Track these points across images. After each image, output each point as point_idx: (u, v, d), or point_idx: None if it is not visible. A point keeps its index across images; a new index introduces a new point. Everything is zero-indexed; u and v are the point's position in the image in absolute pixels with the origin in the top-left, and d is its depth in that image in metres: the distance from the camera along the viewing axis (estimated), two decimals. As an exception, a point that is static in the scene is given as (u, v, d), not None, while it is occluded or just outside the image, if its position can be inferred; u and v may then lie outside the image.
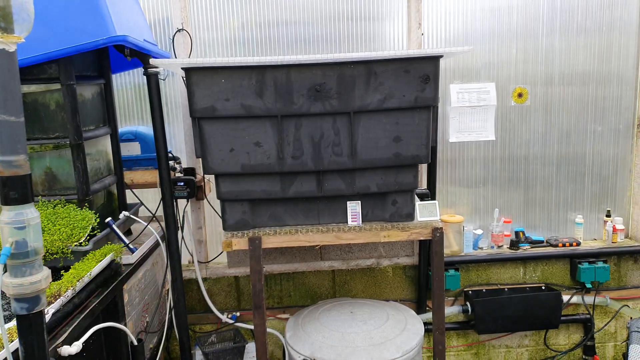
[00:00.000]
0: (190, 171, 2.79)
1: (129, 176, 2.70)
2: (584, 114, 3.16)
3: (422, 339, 2.54)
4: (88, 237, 1.93)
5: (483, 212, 3.23)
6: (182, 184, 2.68)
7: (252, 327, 2.93)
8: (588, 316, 3.16)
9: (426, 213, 2.44)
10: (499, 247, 3.16)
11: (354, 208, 2.41)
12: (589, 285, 3.10)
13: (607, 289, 3.19)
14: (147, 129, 2.81)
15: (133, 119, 3.03)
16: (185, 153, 2.99)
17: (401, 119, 2.20)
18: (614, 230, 3.15)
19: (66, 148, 2.03)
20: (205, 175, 2.85)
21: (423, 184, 2.99)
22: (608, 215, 3.19)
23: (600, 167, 3.23)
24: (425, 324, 2.78)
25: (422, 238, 2.38)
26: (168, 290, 2.68)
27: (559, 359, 3.20)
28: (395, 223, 2.40)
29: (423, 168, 2.94)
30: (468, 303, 3.06)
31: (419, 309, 3.07)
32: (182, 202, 2.84)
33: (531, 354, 3.23)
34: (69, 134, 2.00)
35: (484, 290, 3.10)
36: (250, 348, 2.80)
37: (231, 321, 3.02)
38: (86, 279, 1.74)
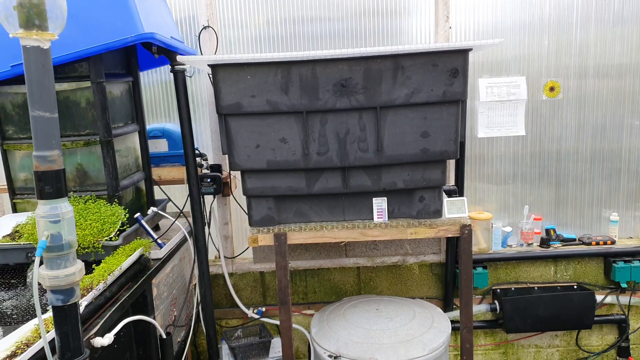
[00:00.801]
0: (216, 168, 2.82)
1: (157, 172, 2.74)
2: (620, 108, 3.05)
3: (449, 337, 2.50)
4: (118, 232, 1.97)
5: (512, 209, 3.16)
6: (208, 180, 2.71)
7: (277, 322, 2.95)
8: (623, 317, 3.05)
9: (454, 210, 2.40)
10: (529, 245, 3.09)
11: (379, 204, 2.38)
12: (624, 285, 3.00)
13: (644, 289, 3.09)
14: (174, 126, 2.85)
15: (160, 117, 3.07)
16: (211, 150, 3.02)
17: (429, 113, 2.16)
18: (651, 228, 3.04)
19: (96, 145, 2.07)
20: (231, 172, 2.87)
21: (451, 181, 2.94)
22: (645, 213, 3.08)
23: (638, 163, 3.11)
24: (452, 322, 2.74)
25: (450, 235, 2.34)
26: (195, 285, 2.71)
27: (591, 359, 3.12)
28: (422, 220, 2.36)
29: (451, 164, 2.89)
30: (496, 301, 3.00)
31: (446, 307, 3.03)
32: (208, 199, 2.86)
33: (562, 354, 3.15)
34: (99, 131, 2.04)
35: (512, 289, 3.04)
36: (276, 343, 2.81)
37: (257, 316, 3.04)
38: (117, 273, 1.77)
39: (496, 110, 2.89)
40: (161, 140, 2.79)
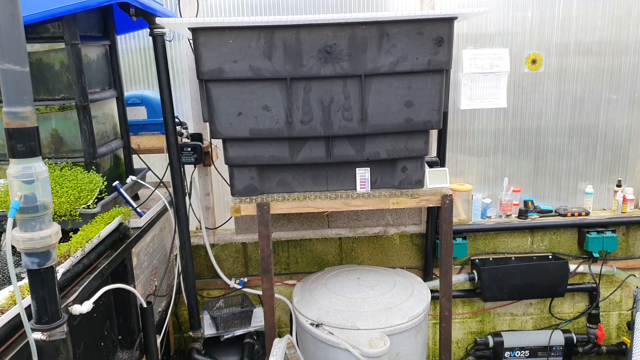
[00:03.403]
0: (197, 137, 2.76)
1: (136, 141, 2.68)
2: (598, 82, 3.09)
3: (429, 305, 2.55)
4: (96, 200, 1.92)
5: (492, 181, 3.20)
6: (189, 149, 2.66)
7: (259, 292, 2.96)
8: (594, 285, 3.16)
9: (436, 180, 2.41)
10: (507, 216, 3.15)
11: (363, 175, 2.38)
12: (596, 255, 3.10)
13: (614, 258, 3.19)
14: (153, 93, 2.77)
15: (139, 84, 2.99)
16: (192, 119, 2.96)
17: (414, 82, 2.15)
18: (624, 200, 3.12)
19: (72, 110, 1.99)
20: (213, 142, 2.82)
21: (433, 152, 2.95)
22: (619, 185, 3.15)
23: (613, 136, 3.17)
24: (431, 291, 2.79)
25: (431, 205, 2.36)
26: (176, 255, 2.69)
27: (563, 326, 3.23)
28: (404, 190, 2.38)
29: (433, 135, 2.90)
30: (475, 271, 3.07)
31: (426, 277, 3.08)
32: (189, 168, 2.81)
33: (535, 321, 3.26)
34: (74, 95, 1.96)
35: (490, 259, 3.10)
36: (258, 313, 2.83)
37: (239, 286, 3.05)
38: (95, 241, 1.73)
39: (479, 82, 2.89)
40: (140, 108, 2.71)
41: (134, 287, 2.05)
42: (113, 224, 1.89)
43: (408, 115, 2.19)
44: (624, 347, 3.21)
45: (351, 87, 2.13)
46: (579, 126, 3.15)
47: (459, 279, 3.08)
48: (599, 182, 3.22)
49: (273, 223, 3.07)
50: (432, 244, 3.04)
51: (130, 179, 2.37)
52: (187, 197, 2.74)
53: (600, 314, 3.23)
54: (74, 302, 1.46)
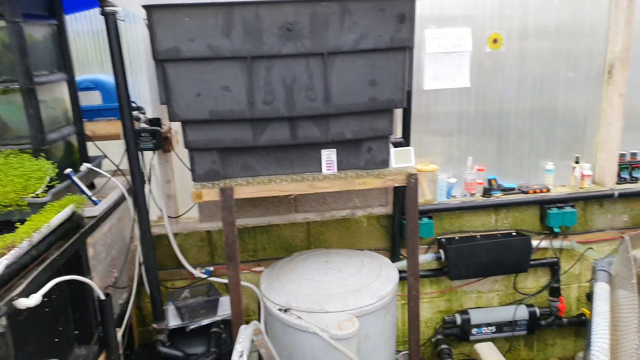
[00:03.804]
0: (155, 121, 2.65)
1: (90, 127, 2.54)
2: (557, 61, 3.14)
3: (397, 284, 2.56)
4: (46, 189, 1.81)
5: (457, 161, 3.23)
6: (147, 134, 2.55)
7: (226, 281, 2.89)
8: (555, 259, 3.25)
9: (401, 160, 2.40)
10: (472, 195, 3.18)
11: (328, 156, 2.35)
12: (557, 230, 3.18)
13: (574, 233, 3.28)
14: (107, 77, 2.64)
15: (93, 69, 2.84)
16: (150, 104, 2.84)
17: (377, 61, 2.12)
18: (582, 176, 3.20)
19: (16, 93, 1.86)
20: (172, 127, 2.72)
21: (398, 133, 2.94)
22: (577, 162, 3.23)
23: (572, 115, 3.24)
24: (399, 271, 2.80)
25: (397, 184, 2.35)
26: (137, 246, 2.59)
27: (527, 301, 3.31)
28: (370, 170, 2.36)
29: (398, 116, 2.88)
30: (441, 250, 3.10)
31: (393, 258, 3.09)
32: (148, 155, 2.70)
33: (501, 298, 3.33)
34: (18, 78, 1.84)
35: (456, 238, 3.14)
36: (225, 301, 2.76)
37: (204, 276, 2.97)
38: (44, 230, 1.63)
39: (442, 62, 2.89)
40: (94, 93, 2.58)
41: (91, 278, 1.95)
42: (64, 213, 1.78)
43: (372, 94, 2.16)
44: (583, 317, 3.32)
45: (314, 66, 2.08)
46: (539, 106, 3.20)
47: (426, 258, 3.11)
48: (559, 159, 3.29)
49: (238, 209, 3.00)
50: (399, 224, 3.04)
51: (85, 166, 2.25)
52: (146, 185, 2.63)
53: (561, 287, 3.33)
54: (20, 295, 1.36)
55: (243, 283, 2.91)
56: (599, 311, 2.15)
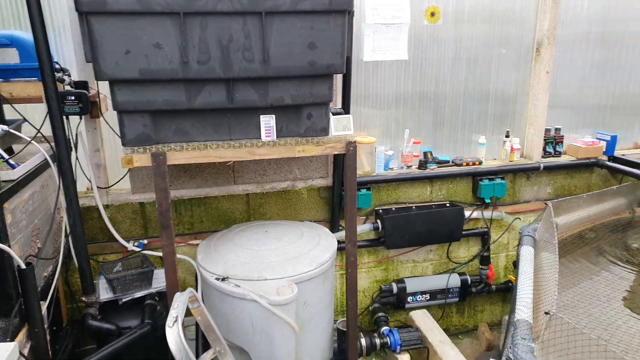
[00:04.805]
0: (82, 84, 2.48)
1: (7, 89, 2.34)
2: (491, 36, 3.26)
3: (335, 252, 2.58)
4: (-46, 148, 1.65)
5: (394, 133, 3.28)
6: (72, 98, 2.39)
7: (160, 254, 2.79)
8: (486, 229, 3.41)
9: (340, 127, 2.41)
10: (409, 167, 3.26)
11: (267, 122, 2.30)
12: (488, 201, 3.33)
13: (503, 204, 3.45)
14: (25, 33, 2.42)
15: (8, 24, 2.61)
16: (76, 66, 2.66)
17: (316, 23, 2.09)
18: (512, 149, 3.37)
19: None
20: (100, 90, 2.57)
21: (338, 104, 2.95)
22: (507, 136, 3.39)
23: (503, 91, 3.39)
24: (338, 242, 2.83)
25: (336, 152, 2.35)
26: (62, 217, 2.44)
27: (459, 270, 3.46)
28: (310, 138, 2.34)
29: (338, 87, 2.88)
30: (379, 221, 3.16)
31: (333, 228, 3.11)
32: (74, 120, 2.54)
33: (435, 266, 3.46)
34: None
35: (393, 209, 3.21)
36: (160, 274, 2.67)
37: (138, 249, 2.86)
38: (-48, 189, 1.48)
39: (381, 33, 2.90)
40: (10, 50, 2.36)
41: (9, 246, 1.81)
42: (-25, 173, 1.63)
43: (311, 57, 2.13)
44: (510, 284, 3.52)
45: (252, 26, 2.02)
46: (473, 82, 3.31)
47: (364, 228, 3.16)
48: (491, 133, 3.44)
49: (174, 180, 2.90)
50: (339, 196, 3.06)
51: (1, 128, 2.08)
52: (73, 152, 2.48)
53: (491, 256, 3.50)
54: None
55: (179, 256, 2.84)
56: (523, 271, 2.28)
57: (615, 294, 2.50)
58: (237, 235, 2.64)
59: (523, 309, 1.82)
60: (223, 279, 2.31)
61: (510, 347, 1.58)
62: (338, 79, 2.85)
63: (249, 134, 2.30)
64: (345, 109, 2.85)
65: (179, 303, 1.91)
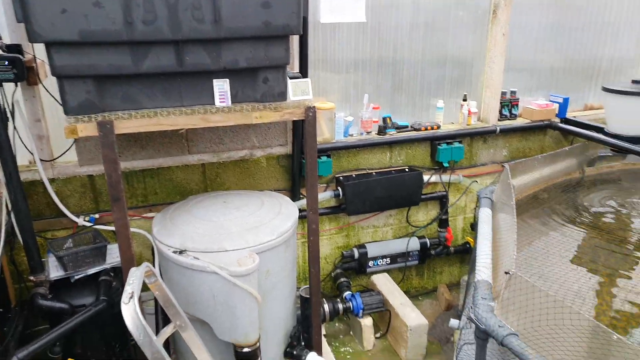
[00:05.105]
0: (15, 48, 2.28)
1: None
2: (447, 1, 3.22)
3: (297, 221, 2.54)
4: None
5: (353, 99, 3.23)
6: (5, 63, 2.18)
7: (113, 228, 2.67)
8: (444, 193, 3.46)
9: (299, 92, 2.33)
10: (368, 133, 3.23)
11: (221, 86, 2.19)
12: (446, 165, 3.37)
13: (461, 167, 3.51)
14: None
15: None
16: (7, 28, 2.43)
17: (270, -20, 1.97)
18: (469, 113, 3.39)
19: None
20: (38, 56, 2.37)
21: (295, 68, 2.85)
22: (464, 100, 3.41)
23: (461, 54, 3.38)
24: (300, 210, 2.78)
25: (295, 118, 2.28)
26: (2, 192, 2.27)
27: (419, 233, 3.51)
28: (267, 103, 2.25)
29: (295, 50, 2.78)
30: (339, 188, 3.14)
31: (294, 197, 3.07)
32: (9, 89, 2.34)
33: (395, 231, 3.49)
34: None
35: (354, 175, 3.19)
36: (114, 249, 2.55)
37: (89, 224, 2.72)
38: None
39: (339, -6, 2.81)
40: None
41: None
42: None
43: (266, 17, 2.03)
44: (467, 246, 3.61)
45: (200, -18, 1.89)
46: (431, 42, 3.28)
47: (325, 196, 3.13)
48: (449, 97, 3.45)
49: (123, 151, 2.76)
50: (299, 164, 3.01)
51: None
52: (10, 122, 2.29)
53: (449, 218, 3.57)
54: None
55: (134, 229, 2.73)
56: (482, 232, 2.32)
57: (566, 253, 2.60)
58: (194, 206, 2.56)
59: (483, 269, 1.85)
60: (181, 252, 2.24)
61: (471, 307, 1.61)
62: (295, 41, 2.75)
63: (203, 99, 2.19)
64: (303, 72, 2.76)
65: (134, 278, 1.83)
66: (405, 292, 3.29)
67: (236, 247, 2.24)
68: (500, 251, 2.23)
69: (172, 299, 2.06)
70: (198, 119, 2.16)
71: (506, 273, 1.63)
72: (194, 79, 2.13)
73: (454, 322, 2.18)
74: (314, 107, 2.27)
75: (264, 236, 2.32)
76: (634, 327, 2.06)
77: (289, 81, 2.29)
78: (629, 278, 2.39)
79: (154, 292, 2.04)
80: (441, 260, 3.67)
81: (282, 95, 2.28)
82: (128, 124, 2.06)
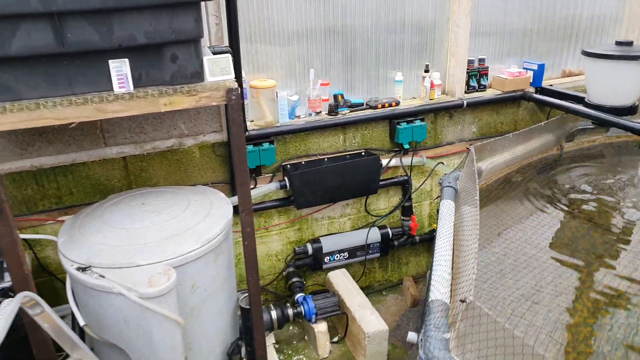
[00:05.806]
0: None
1: None
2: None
3: (230, 221, 2.19)
4: None
5: (299, 75, 2.83)
6: None
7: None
8: (406, 177, 3.12)
9: (217, 71, 1.93)
10: (317, 113, 2.84)
11: (119, 68, 1.78)
12: (407, 146, 3.02)
13: (424, 148, 3.16)
14: None
15: None
16: None
17: None
18: (432, 86, 3.03)
19: None
20: None
21: (225, 41, 2.44)
22: (426, 71, 3.03)
23: (421, 18, 2.98)
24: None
25: (214, 103, 1.89)
26: None
27: (379, 223, 3.19)
28: (178, 86, 1.85)
29: (223, 20, 2.36)
30: (286, 178, 2.77)
31: (234, 190, 2.70)
32: None
33: (353, 221, 3.16)
34: None
35: (303, 163, 2.82)
36: (18, 263, 2.17)
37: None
38: None
39: (273, -49, 2.37)
40: None
41: None
42: None
43: (162, -21, 1.61)
44: (434, 234, 3.29)
45: None
46: (386, 8, 2.87)
47: (270, 188, 2.76)
48: (409, 68, 3.07)
49: (27, 147, 2.34)
50: (238, 152, 2.62)
51: None
52: None
53: (413, 205, 3.25)
54: None
55: (46, 236, 2.36)
56: (441, 233, 2.02)
57: (543, 242, 2.33)
58: (107, 210, 2.17)
59: (438, 286, 1.52)
60: (84, 269, 1.87)
61: (422, 340, 1.29)
62: (222, 9, 2.33)
63: (99, 86, 1.78)
64: (235, 48, 2.35)
65: (2, 314, 1.46)
66: (368, 287, 3.00)
67: (151, 260, 1.89)
68: (461, 250, 1.92)
69: (65, 330, 1.71)
70: (92, 109, 1.76)
71: (462, 301, 1.30)
72: (84, 61, 1.72)
73: (412, 335, 1.87)
74: (237, 89, 1.88)
75: (187, 245, 1.96)
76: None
77: (205, 59, 1.89)
78: (613, 268, 2.14)
79: (42, 326, 1.68)
80: (406, 250, 3.37)
81: (197, 76, 1.88)
82: (4, 119, 1.65)
